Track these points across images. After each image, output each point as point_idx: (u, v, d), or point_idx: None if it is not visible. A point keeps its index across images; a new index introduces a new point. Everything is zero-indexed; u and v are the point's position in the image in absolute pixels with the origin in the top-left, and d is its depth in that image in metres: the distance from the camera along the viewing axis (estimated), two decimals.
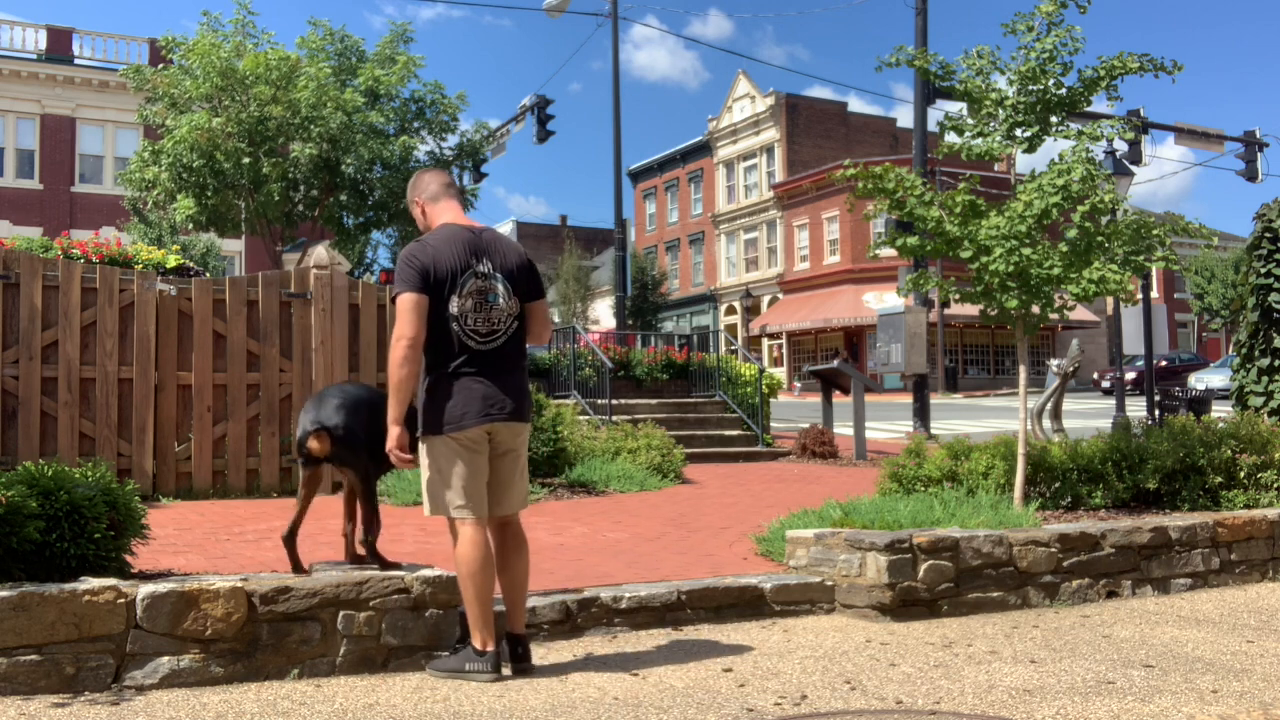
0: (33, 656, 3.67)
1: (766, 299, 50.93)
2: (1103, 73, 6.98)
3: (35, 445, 8.09)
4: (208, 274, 15.25)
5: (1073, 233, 6.75)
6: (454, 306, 4.05)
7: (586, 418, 12.99)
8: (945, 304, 34.56)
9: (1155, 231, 6.89)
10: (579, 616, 4.77)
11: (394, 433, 4.02)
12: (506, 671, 4.05)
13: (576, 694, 3.83)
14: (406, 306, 4.00)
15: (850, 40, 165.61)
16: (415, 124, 20.63)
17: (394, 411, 4.01)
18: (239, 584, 3.97)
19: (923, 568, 5.21)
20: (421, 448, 4.11)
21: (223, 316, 8.86)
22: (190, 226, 20.00)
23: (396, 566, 4.40)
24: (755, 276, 51.76)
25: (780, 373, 42.35)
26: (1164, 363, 32.51)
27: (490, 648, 4.01)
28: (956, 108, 7.47)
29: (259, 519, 7.45)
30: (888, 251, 7.80)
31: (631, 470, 10.11)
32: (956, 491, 6.82)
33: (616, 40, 23.59)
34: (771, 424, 15.81)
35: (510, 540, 4.24)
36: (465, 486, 4.04)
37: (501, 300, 4.14)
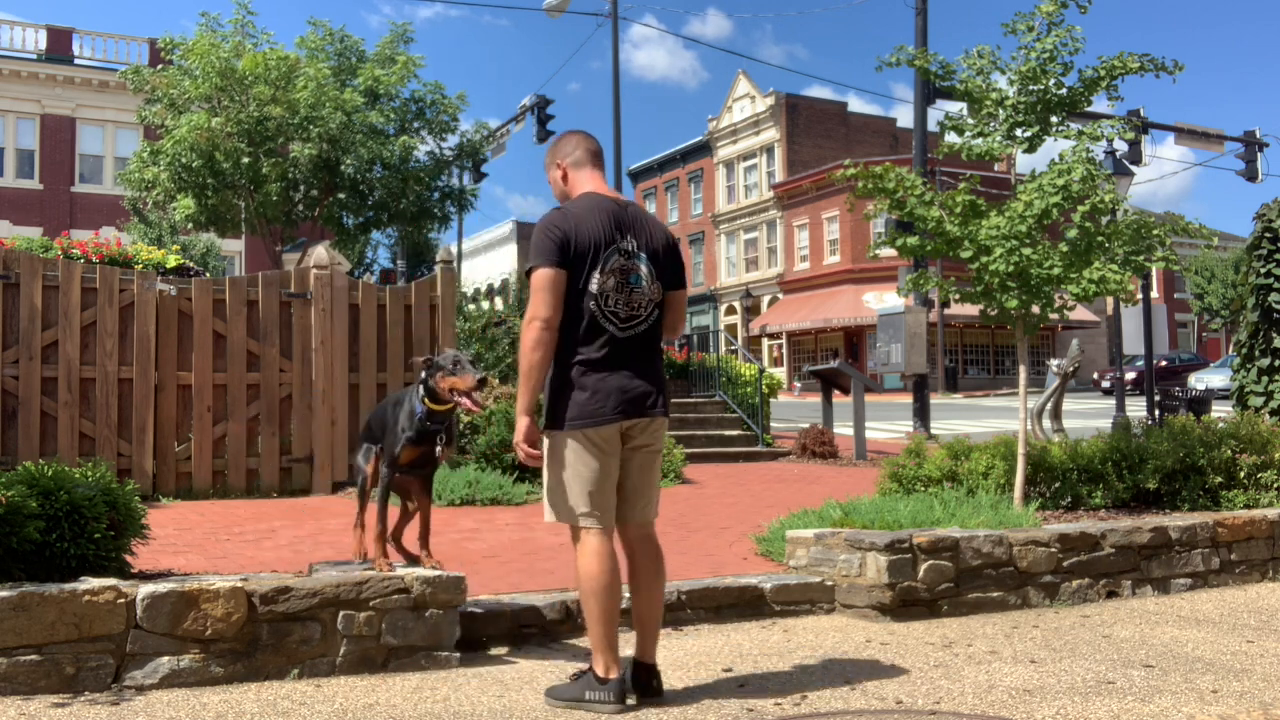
0: (33, 656, 3.67)
1: (766, 299, 50.93)
2: (1103, 73, 6.97)
3: (35, 445, 8.10)
4: (208, 274, 15.26)
5: (1073, 233, 6.75)
6: (594, 284, 3.63)
7: None
8: (945, 304, 34.56)
9: (1155, 231, 6.88)
10: (579, 616, 4.76)
11: (522, 425, 3.66)
12: (631, 701, 3.66)
13: None
14: (542, 283, 3.59)
15: (850, 40, 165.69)
16: (415, 124, 20.62)
17: (522, 401, 3.65)
18: (239, 584, 3.97)
19: (923, 568, 5.21)
20: (544, 444, 3.73)
21: (223, 316, 8.86)
22: (190, 226, 20.01)
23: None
24: (755, 276, 51.75)
25: (780, 373, 42.34)
26: (1164, 363, 32.51)
27: (614, 675, 3.61)
28: (957, 108, 7.47)
29: (259, 519, 7.45)
30: (888, 251, 7.80)
31: None
32: (956, 491, 6.82)
33: (616, 40, 23.59)
34: (771, 424, 15.81)
35: (649, 554, 3.83)
36: (594, 491, 3.65)
37: (644, 283, 3.73)
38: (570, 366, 3.64)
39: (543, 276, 3.60)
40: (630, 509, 3.78)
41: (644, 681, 3.71)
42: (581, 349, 3.63)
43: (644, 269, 3.73)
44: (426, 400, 4.36)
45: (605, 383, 3.63)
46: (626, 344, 3.68)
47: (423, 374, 4.39)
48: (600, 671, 3.61)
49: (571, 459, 3.64)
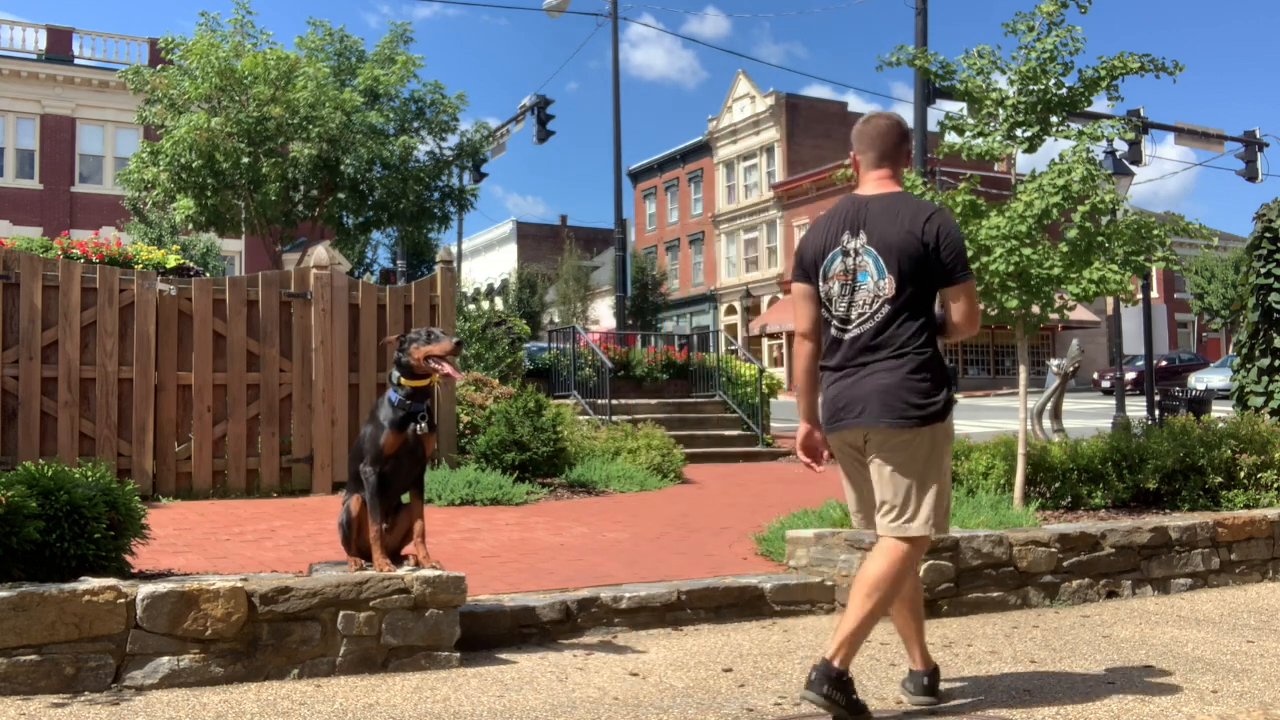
0: (33, 656, 3.67)
1: (766, 299, 50.92)
2: (1103, 73, 6.97)
3: (35, 445, 8.09)
4: (208, 274, 15.26)
5: (1073, 233, 6.75)
6: (822, 290, 3.64)
7: (586, 418, 13.00)
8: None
9: (1155, 232, 6.88)
10: (579, 616, 4.76)
11: (801, 430, 3.74)
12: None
13: (576, 694, 3.82)
14: (794, 297, 3.73)
15: (849, 40, 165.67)
16: (415, 124, 20.64)
17: (799, 411, 3.76)
18: (239, 584, 3.97)
19: (922, 568, 5.20)
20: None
21: (223, 316, 8.85)
22: (190, 226, 20.02)
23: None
24: (755, 276, 51.75)
25: (780, 373, 42.31)
26: (1164, 363, 32.51)
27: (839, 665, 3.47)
28: (957, 107, 7.47)
29: (259, 519, 7.45)
30: None
31: (631, 470, 10.11)
32: (956, 491, 6.82)
33: (616, 41, 23.59)
34: (771, 424, 15.81)
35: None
36: (847, 495, 3.80)
37: (870, 280, 3.53)
38: (821, 372, 3.70)
39: (795, 290, 3.74)
40: (870, 517, 3.73)
41: (927, 684, 3.75)
42: (822, 355, 3.69)
43: (871, 265, 3.53)
44: (403, 380, 4.37)
45: (826, 392, 3.65)
46: (846, 348, 3.58)
47: (396, 354, 4.40)
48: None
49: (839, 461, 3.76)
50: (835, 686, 3.33)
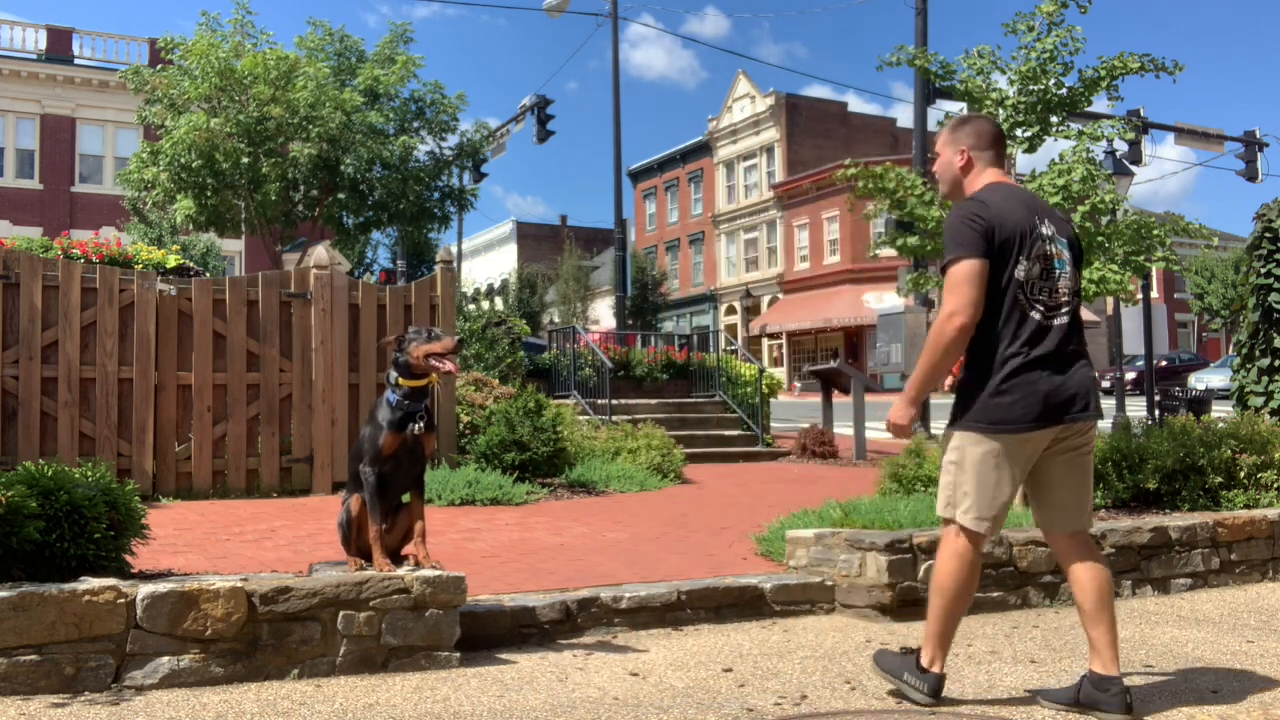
0: (32, 656, 3.67)
1: (766, 299, 50.94)
2: (1103, 73, 6.98)
3: (35, 445, 8.09)
4: (208, 274, 15.26)
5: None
6: (1020, 271, 3.43)
7: (586, 418, 13.00)
8: None
9: (1155, 232, 6.89)
10: (579, 616, 4.76)
11: (906, 412, 3.57)
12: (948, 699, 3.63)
13: (576, 694, 3.82)
14: (966, 275, 3.38)
15: (849, 40, 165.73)
16: (415, 124, 20.64)
17: (912, 391, 3.56)
18: (239, 584, 3.97)
19: (923, 568, 5.21)
20: (955, 436, 3.57)
21: (223, 316, 8.85)
22: (190, 226, 20.02)
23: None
24: (755, 276, 51.76)
25: (780, 373, 42.35)
26: (1164, 363, 32.52)
27: (936, 669, 3.58)
28: (957, 107, 7.48)
29: (259, 519, 7.45)
30: (888, 251, 7.81)
31: (631, 470, 10.11)
32: None
33: (616, 41, 23.59)
34: (771, 424, 15.81)
35: (1093, 559, 3.66)
36: (994, 497, 3.50)
37: (1066, 269, 3.52)
38: (995, 361, 3.44)
39: (967, 267, 3.40)
40: (1079, 513, 3.65)
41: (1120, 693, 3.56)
42: (1007, 343, 3.43)
43: (1066, 254, 3.55)
44: (401, 380, 4.37)
45: (1034, 384, 3.42)
46: (1053, 338, 3.46)
47: (394, 353, 4.40)
48: (925, 661, 3.59)
49: (981, 461, 3.49)
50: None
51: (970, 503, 3.52)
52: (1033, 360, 3.43)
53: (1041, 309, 3.46)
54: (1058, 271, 3.51)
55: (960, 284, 3.39)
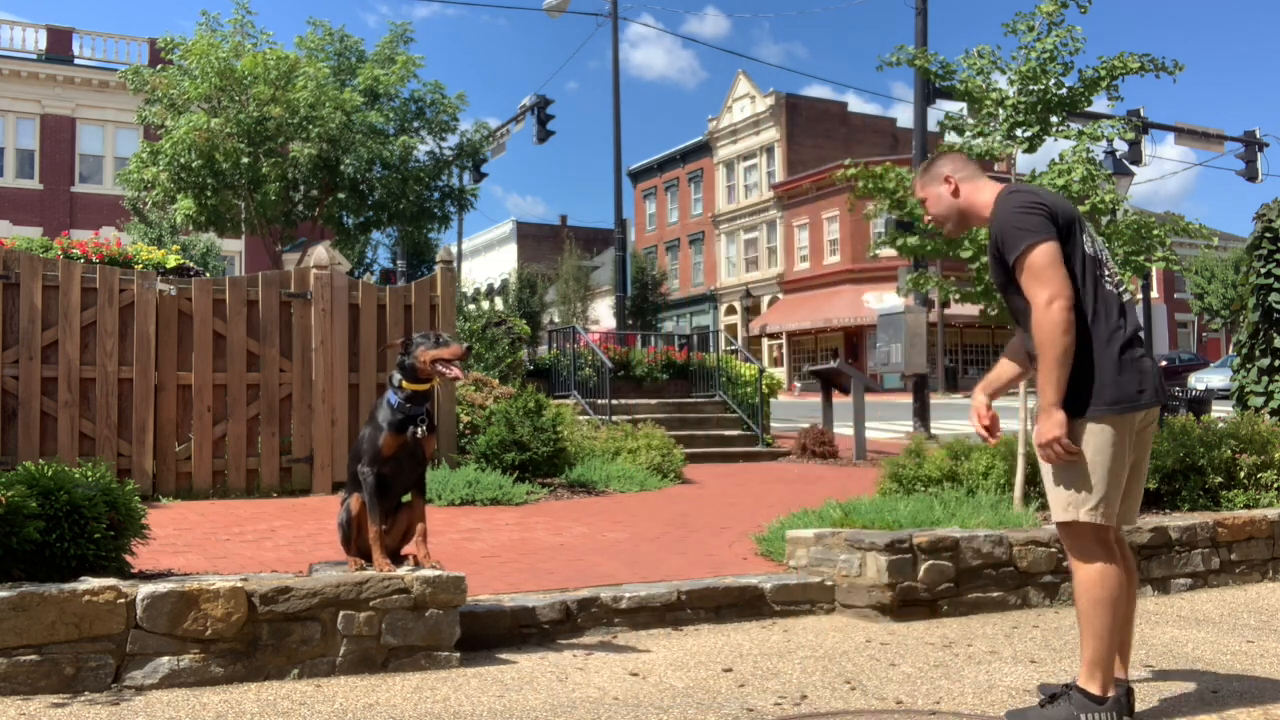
0: (32, 656, 3.67)
1: (766, 299, 50.94)
2: (1103, 73, 6.98)
3: (35, 445, 8.09)
4: (208, 274, 15.26)
5: None
6: (1088, 247, 3.32)
7: (586, 418, 13.00)
8: (945, 304, 34.56)
9: (1155, 232, 6.89)
10: (579, 616, 4.76)
11: (1058, 418, 3.21)
12: None
13: (576, 694, 3.82)
14: (1048, 258, 3.21)
15: (849, 40, 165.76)
16: (415, 124, 20.64)
17: (1054, 394, 3.20)
18: (239, 584, 3.97)
19: (923, 568, 5.21)
20: (1071, 425, 3.29)
21: (223, 316, 8.85)
22: (190, 226, 20.02)
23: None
24: (755, 276, 51.76)
25: (780, 373, 42.35)
26: (1164, 363, 32.51)
27: (1112, 693, 3.29)
28: (957, 107, 7.48)
29: (259, 519, 7.45)
30: (888, 251, 7.81)
31: (631, 470, 10.11)
32: (956, 491, 6.82)
33: (616, 41, 23.59)
34: (771, 424, 15.81)
35: (1128, 558, 3.48)
36: (1112, 487, 3.27)
37: (1106, 247, 3.47)
38: (1096, 342, 3.25)
39: (1047, 251, 3.22)
40: (1129, 509, 3.47)
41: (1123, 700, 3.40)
42: (1104, 323, 3.27)
43: (1100, 241, 3.49)
44: (405, 383, 4.37)
45: (1137, 362, 3.26)
46: (1130, 310, 3.34)
47: (400, 356, 4.40)
48: (1097, 690, 3.29)
49: (1100, 449, 3.25)
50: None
51: (1100, 495, 3.26)
52: (1131, 336, 3.30)
53: (1113, 284, 3.36)
54: (1104, 249, 3.47)
55: (1045, 268, 3.22)
